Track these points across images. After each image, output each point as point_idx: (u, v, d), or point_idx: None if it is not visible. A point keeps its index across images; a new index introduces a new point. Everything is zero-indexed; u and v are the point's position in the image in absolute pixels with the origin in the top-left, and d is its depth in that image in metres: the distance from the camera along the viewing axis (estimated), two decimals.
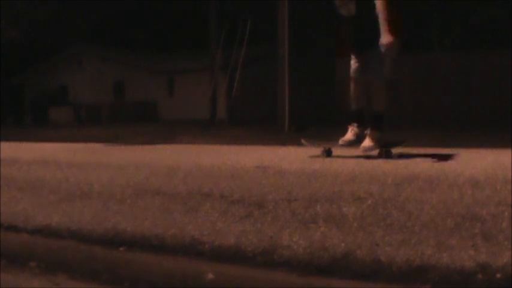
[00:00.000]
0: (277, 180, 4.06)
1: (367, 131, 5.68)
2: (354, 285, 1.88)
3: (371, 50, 5.56)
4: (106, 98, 26.88)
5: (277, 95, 14.25)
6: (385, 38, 5.45)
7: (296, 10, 14.74)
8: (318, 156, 5.75)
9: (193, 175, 4.58)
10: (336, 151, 5.89)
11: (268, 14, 17.37)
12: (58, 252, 2.39)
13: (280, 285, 1.92)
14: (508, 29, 16.15)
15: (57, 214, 3.05)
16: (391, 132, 6.11)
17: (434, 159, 5.16)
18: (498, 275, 1.83)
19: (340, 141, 5.80)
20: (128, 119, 23.06)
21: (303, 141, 6.26)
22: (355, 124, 5.82)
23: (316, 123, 13.43)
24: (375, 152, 5.55)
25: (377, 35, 5.48)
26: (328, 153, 5.83)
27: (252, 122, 16.75)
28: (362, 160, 5.31)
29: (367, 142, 5.63)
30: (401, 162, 5.08)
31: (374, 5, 5.47)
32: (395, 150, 5.57)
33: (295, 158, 5.84)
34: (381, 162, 5.06)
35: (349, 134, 5.80)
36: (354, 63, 5.78)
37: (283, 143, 8.60)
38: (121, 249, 2.37)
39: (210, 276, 1.97)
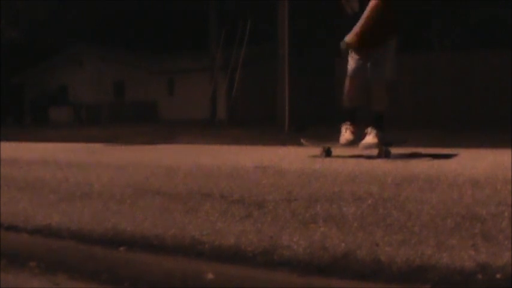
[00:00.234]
0: (277, 180, 4.06)
1: (368, 130, 5.67)
2: (354, 285, 1.88)
3: (372, 49, 5.57)
4: (106, 98, 26.84)
5: (277, 95, 14.25)
6: (349, 37, 5.48)
7: (296, 10, 14.73)
8: (317, 156, 5.75)
9: (193, 175, 4.58)
10: (335, 151, 5.89)
11: (268, 14, 17.37)
12: (58, 252, 2.39)
13: (280, 285, 1.92)
14: (508, 29, 16.14)
15: (57, 214, 3.05)
16: (391, 132, 6.10)
17: (435, 159, 5.16)
18: (498, 275, 1.83)
19: (342, 141, 5.78)
20: (128, 119, 23.01)
21: (302, 141, 6.26)
22: (348, 122, 5.81)
23: (316, 123, 13.42)
24: (375, 152, 5.55)
25: (378, 34, 5.48)
26: (328, 153, 5.83)
27: (252, 122, 16.74)
28: (362, 160, 5.31)
29: (368, 139, 5.60)
30: (401, 162, 5.08)
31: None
32: (395, 150, 5.57)
33: (295, 158, 5.84)
34: (380, 162, 5.06)
35: (348, 133, 5.79)
36: (352, 62, 5.76)
37: (283, 143, 8.60)
38: (121, 249, 2.37)
39: (210, 276, 1.97)
